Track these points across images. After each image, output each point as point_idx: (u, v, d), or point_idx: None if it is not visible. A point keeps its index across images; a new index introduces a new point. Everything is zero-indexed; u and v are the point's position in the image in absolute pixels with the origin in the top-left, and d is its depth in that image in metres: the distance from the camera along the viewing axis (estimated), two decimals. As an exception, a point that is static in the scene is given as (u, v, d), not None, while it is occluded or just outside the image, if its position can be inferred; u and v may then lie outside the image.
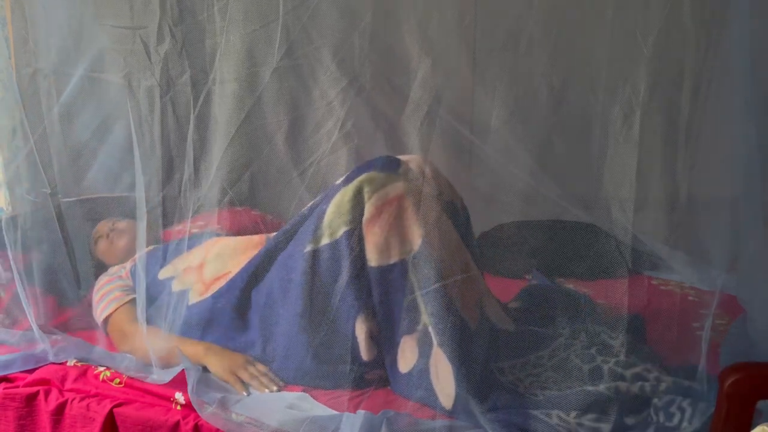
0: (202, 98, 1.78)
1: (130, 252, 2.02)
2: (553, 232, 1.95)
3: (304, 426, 1.46)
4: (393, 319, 1.57)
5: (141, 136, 1.81)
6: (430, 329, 1.52)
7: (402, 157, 1.65)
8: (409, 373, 1.55)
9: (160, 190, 1.89)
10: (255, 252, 1.77)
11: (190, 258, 1.88)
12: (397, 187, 1.58)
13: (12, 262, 1.86)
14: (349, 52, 1.80)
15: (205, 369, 1.67)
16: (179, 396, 1.59)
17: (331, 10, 1.73)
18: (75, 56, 1.86)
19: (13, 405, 1.68)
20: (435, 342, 1.52)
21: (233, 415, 1.52)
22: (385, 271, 1.55)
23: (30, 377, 1.71)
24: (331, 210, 1.59)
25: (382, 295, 1.56)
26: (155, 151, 1.85)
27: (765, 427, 1.10)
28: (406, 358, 1.56)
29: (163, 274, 1.88)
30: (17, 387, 1.70)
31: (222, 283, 1.77)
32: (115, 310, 1.85)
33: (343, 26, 1.76)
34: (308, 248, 1.59)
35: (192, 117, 1.79)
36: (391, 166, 1.62)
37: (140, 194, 1.76)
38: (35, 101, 1.86)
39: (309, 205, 1.71)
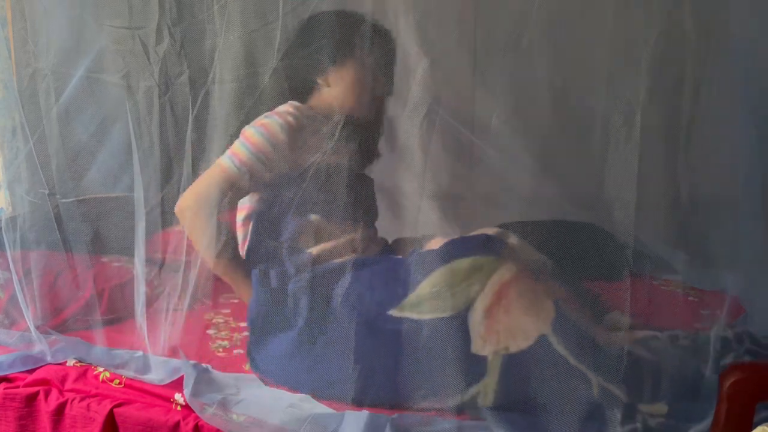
0: (201, 98, 1.78)
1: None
2: (553, 232, 1.94)
3: (306, 424, 1.46)
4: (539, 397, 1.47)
5: (140, 137, 1.80)
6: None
7: (490, 232, 1.61)
8: None
9: (159, 191, 1.88)
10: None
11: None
12: (509, 268, 1.52)
13: (11, 263, 1.86)
14: (349, 52, 1.79)
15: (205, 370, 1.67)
16: (179, 396, 1.58)
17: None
18: (74, 56, 1.85)
19: (14, 405, 1.68)
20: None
21: (234, 416, 1.52)
22: (526, 353, 1.46)
23: (30, 377, 1.71)
24: (425, 288, 1.53)
25: (524, 378, 1.46)
26: (154, 152, 1.85)
27: (765, 428, 1.10)
28: None
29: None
30: (17, 387, 1.69)
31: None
32: (231, 167, 1.74)
33: (343, 26, 1.75)
34: (392, 311, 1.55)
35: (191, 117, 1.78)
36: (494, 247, 1.57)
37: (139, 195, 1.76)
38: (35, 101, 1.85)
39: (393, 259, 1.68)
